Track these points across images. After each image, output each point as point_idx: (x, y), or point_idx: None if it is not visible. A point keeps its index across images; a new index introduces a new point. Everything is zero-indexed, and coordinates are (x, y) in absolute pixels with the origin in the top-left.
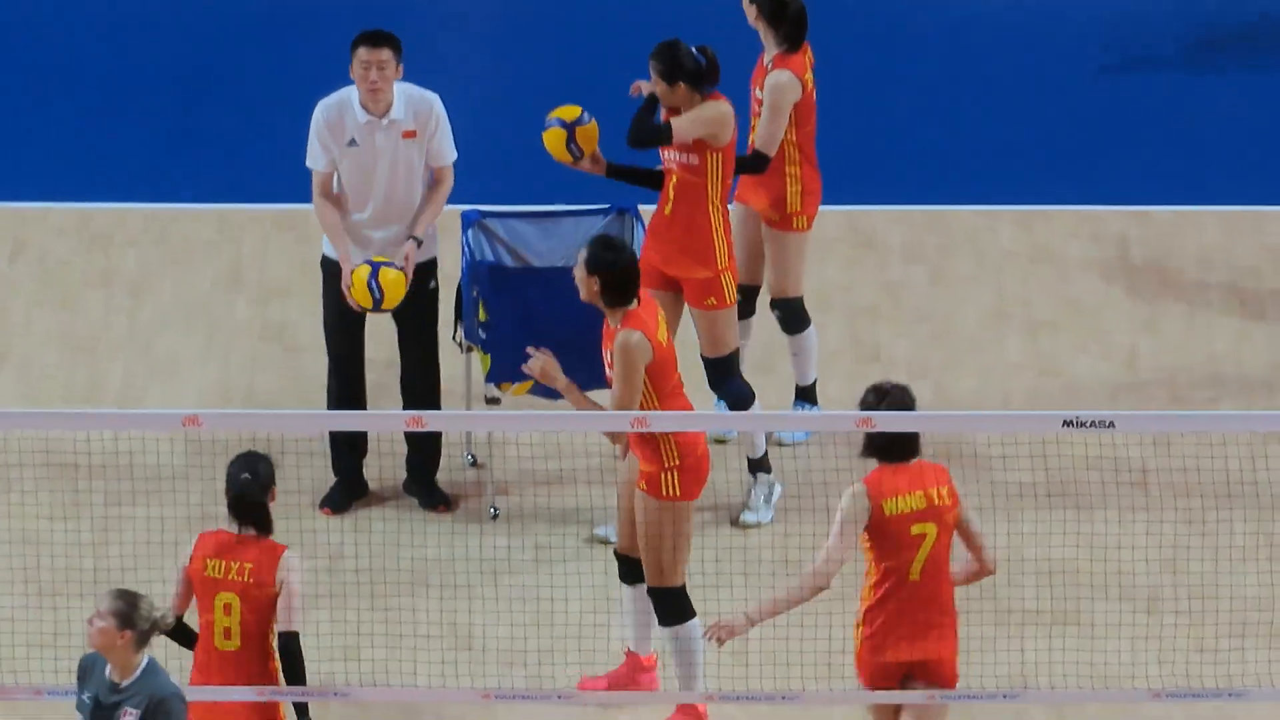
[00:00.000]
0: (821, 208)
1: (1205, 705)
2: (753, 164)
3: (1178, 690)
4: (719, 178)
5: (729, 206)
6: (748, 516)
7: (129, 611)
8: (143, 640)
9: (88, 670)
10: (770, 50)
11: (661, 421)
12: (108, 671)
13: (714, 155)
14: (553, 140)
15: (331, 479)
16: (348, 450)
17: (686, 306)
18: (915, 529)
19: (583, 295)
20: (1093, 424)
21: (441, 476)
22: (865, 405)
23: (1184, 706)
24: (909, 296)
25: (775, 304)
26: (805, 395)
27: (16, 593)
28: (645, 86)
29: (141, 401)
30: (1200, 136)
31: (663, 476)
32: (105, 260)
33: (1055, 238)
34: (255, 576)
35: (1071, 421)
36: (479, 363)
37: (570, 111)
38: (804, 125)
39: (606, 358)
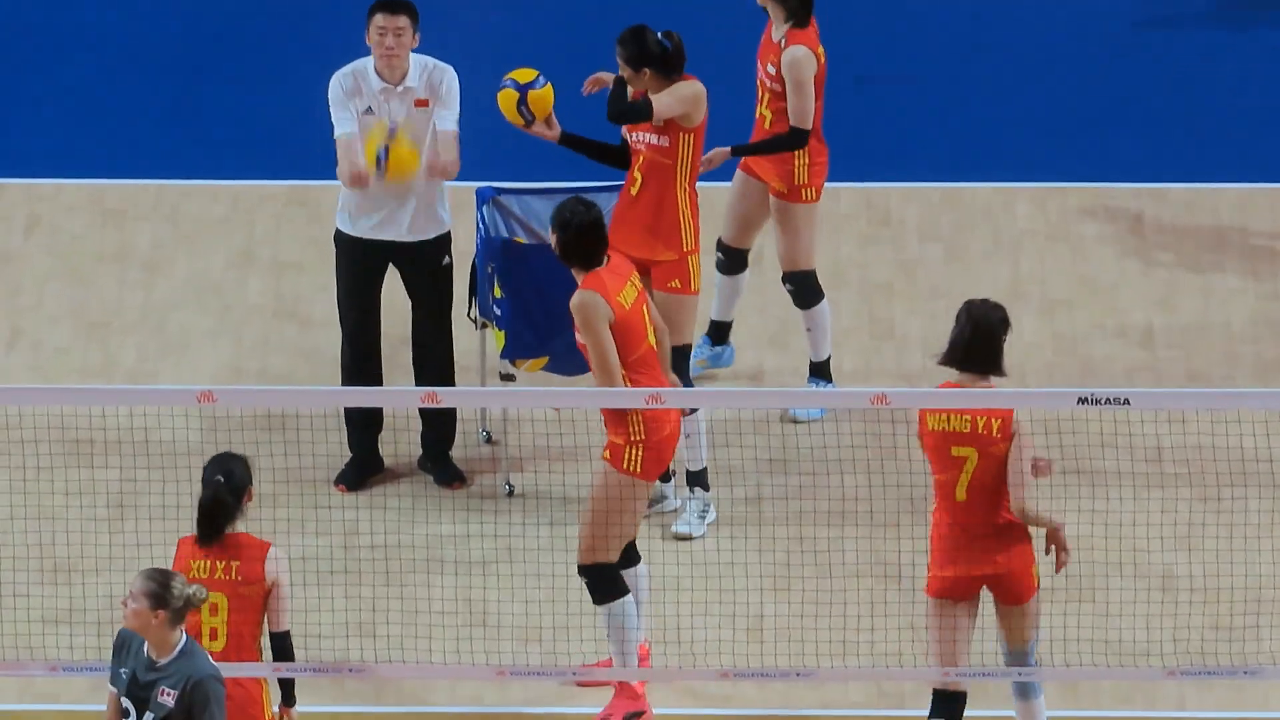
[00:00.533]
0: (837, 184)
1: (1220, 683)
2: (790, 141)
3: (1192, 668)
4: (689, 159)
5: (707, 186)
6: (681, 528)
7: (161, 591)
8: (177, 618)
9: (126, 644)
10: (780, 26)
11: (676, 399)
12: (145, 649)
13: (685, 136)
14: (505, 101)
15: (346, 455)
16: (362, 427)
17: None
18: (955, 450)
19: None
20: (1108, 401)
21: (456, 453)
22: (956, 317)
23: (1199, 684)
24: (924, 274)
25: (787, 278)
26: (819, 371)
27: (32, 569)
28: (605, 78)
29: (155, 378)
30: (1216, 113)
31: (627, 450)
32: (118, 237)
33: (1071, 215)
34: (243, 574)
35: (1087, 399)
36: (494, 339)
37: (525, 74)
38: (815, 99)
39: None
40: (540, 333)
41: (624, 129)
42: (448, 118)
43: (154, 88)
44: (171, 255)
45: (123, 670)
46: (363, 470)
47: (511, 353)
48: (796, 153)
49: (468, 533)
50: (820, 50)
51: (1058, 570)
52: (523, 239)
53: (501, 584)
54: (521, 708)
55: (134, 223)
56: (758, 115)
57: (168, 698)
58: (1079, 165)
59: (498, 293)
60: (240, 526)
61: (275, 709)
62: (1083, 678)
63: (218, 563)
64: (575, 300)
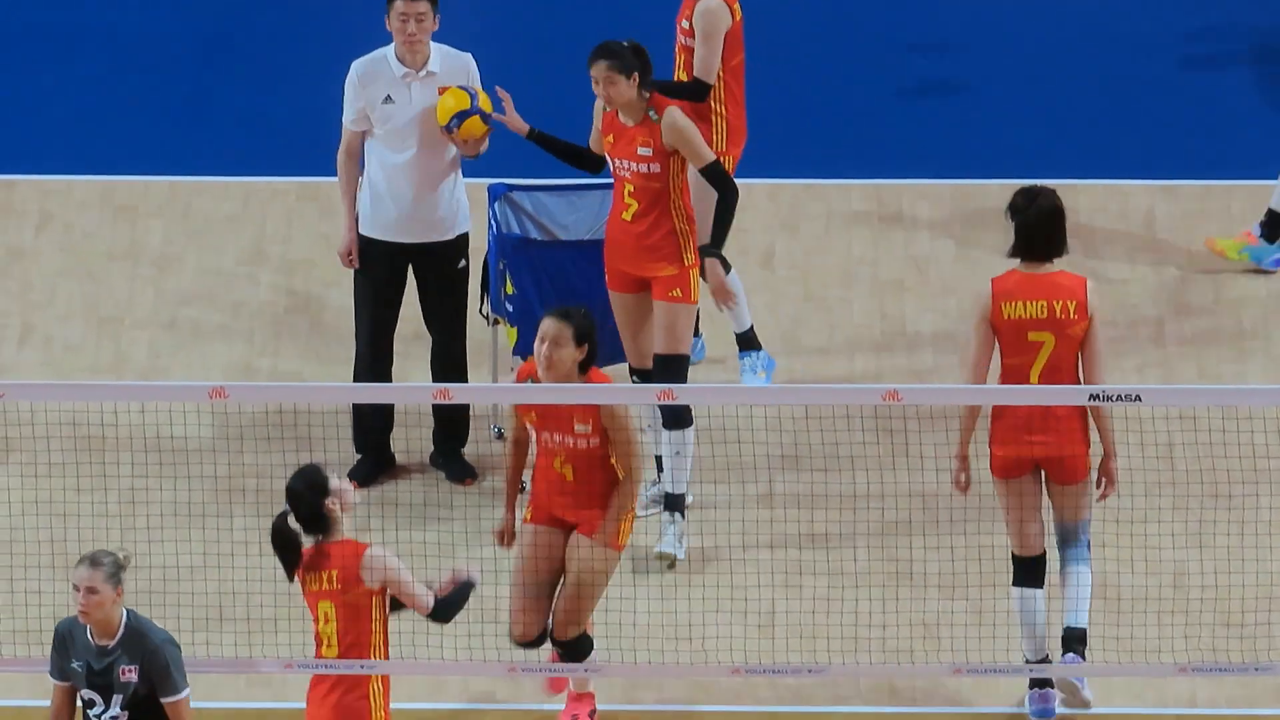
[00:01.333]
0: (848, 181)
1: (1231, 680)
2: (692, 90)
3: (1204, 665)
4: (680, 179)
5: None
6: (666, 549)
7: (114, 570)
8: (122, 593)
9: (67, 639)
10: None
11: (689, 395)
12: (89, 636)
13: (677, 160)
14: (472, 127)
15: (357, 452)
16: (375, 423)
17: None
18: (1032, 335)
19: None
20: (1119, 398)
21: (468, 450)
22: (1014, 208)
23: (1210, 681)
24: (936, 271)
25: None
26: (746, 343)
27: (44, 565)
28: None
29: (166, 375)
30: (1227, 110)
31: (621, 527)
32: (129, 233)
33: (1081, 212)
34: (342, 581)
35: (1098, 395)
36: (505, 335)
37: (462, 100)
38: (732, 58)
39: None
40: None
41: (608, 155)
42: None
43: (165, 84)
44: (182, 251)
45: (75, 664)
46: (375, 467)
47: (523, 349)
48: (714, 118)
49: (479, 529)
50: (737, 7)
51: (1101, 499)
52: (535, 236)
53: (513, 580)
54: (534, 704)
55: (145, 219)
56: (674, 80)
57: (131, 674)
58: (1090, 162)
59: (509, 289)
60: (338, 534)
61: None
62: (1094, 673)
63: (321, 574)
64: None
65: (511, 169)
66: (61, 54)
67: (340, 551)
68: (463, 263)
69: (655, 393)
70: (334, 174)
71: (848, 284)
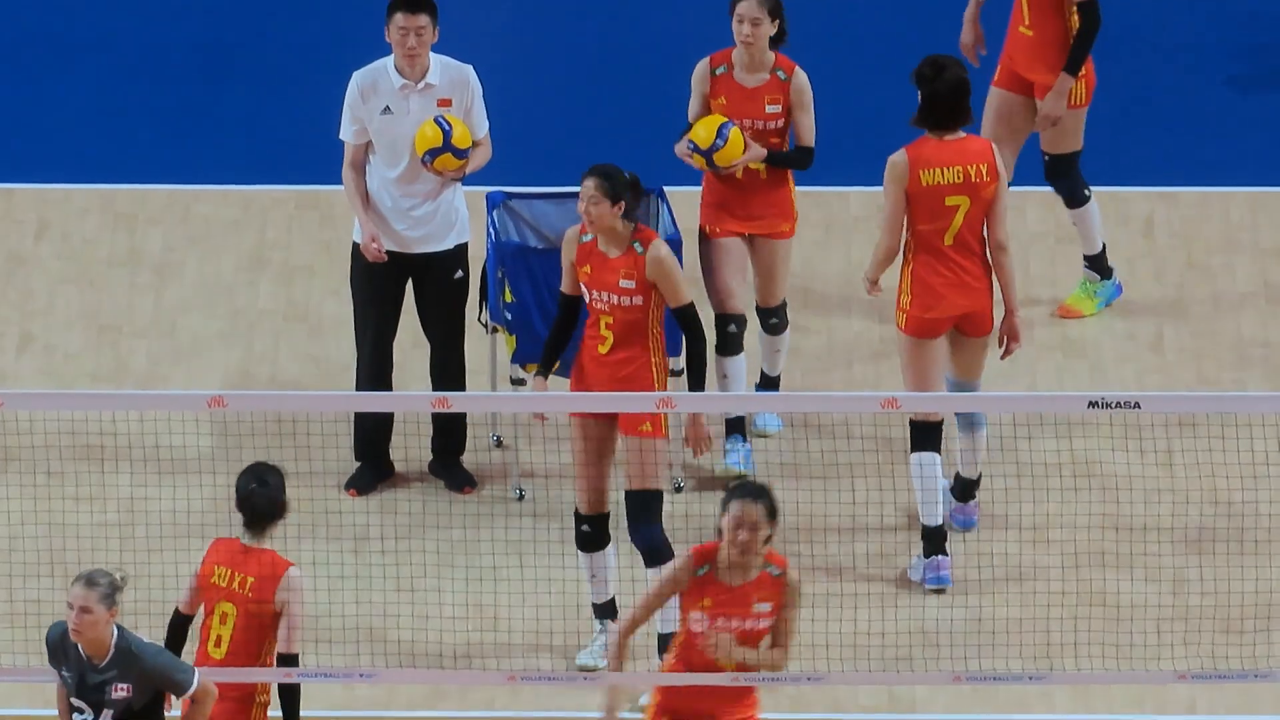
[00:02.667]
0: (847, 188)
1: (1231, 687)
2: (800, 159)
3: (1203, 672)
4: (659, 312)
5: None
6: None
7: (110, 591)
8: (116, 613)
9: (58, 649)
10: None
11: (687, 403)
12: (81, 651)
13: (658, 293)
14: (446, 163)
15: (356, 461)
16: (374, 432)
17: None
18: (950, 200)
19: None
20: (1119, 405)
21: (467, 458)
22: (921, 78)
23: (1210, 688)
24: None
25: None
26: (735, 426)
27: (43, 574)
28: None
29: (166, 383)
30: (1227, 116)
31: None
32: (129, 241)
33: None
34: (255, 592)
35: (1097, 402)
36: (504, 343)
37: (437, 137)
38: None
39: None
40: None
41: (585, 285)
42: (480, 126)
43: (165, 92)
44: (182, 259)
45: (66, 674)
46: (374, 475)
47: (522, 357)
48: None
49: (478, 538)
50: None
51: (1004, 357)
52: (534, 243)
53: (512, 589)
54: (533, 712)
55: (145, 227)
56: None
57: (123, 691)
58: (1090, 168)
59: (508, 297)
60: (266, 542)
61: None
62: (1094, 682)
63: (236, 574)
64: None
65: (510, 177)
66: (61, 62)
67: (265, 561)
68: (460, 274)
69: (655, 400)
70: (334, 182)
71: (848, 290)
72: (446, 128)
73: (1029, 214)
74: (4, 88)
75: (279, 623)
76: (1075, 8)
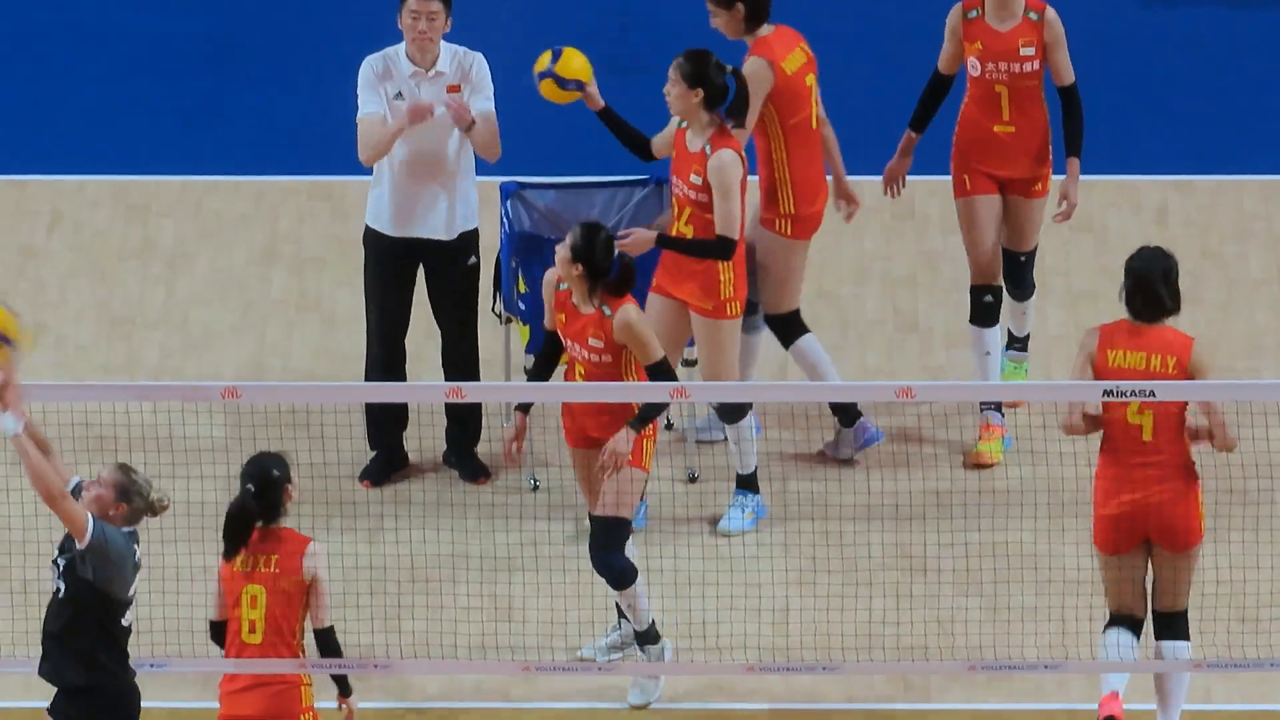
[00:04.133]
0: (859, 177)
1: (1246, 675)
2: (720, 249)
3: (1218, 660)
4: (634, 364)
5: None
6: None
7: (128, 485)
8: (134, 516)
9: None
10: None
11: (701, 393)
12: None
13: (628, 352)
14: (548, 90)
15: (370, 451)
16: (388, 423)
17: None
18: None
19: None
20: (1133, 394)
21: (481, 448)
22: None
23: (1225, 676)
24: (947, 266)
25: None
26: (746, 483)
27: None
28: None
29: (179, 374)
30: (1240, 105)
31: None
32: (141, 233)
33: (1094, 208)
34: (281, 567)
35: (1112, 391)
36: (518, 334)
37: (541, 61)
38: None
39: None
40: None
41: (560, 333)
42: (483, 100)
43: (177, 84)
44: (194, 251)
45: (58, 558)
46: (388, 466)
47: (535, 347)
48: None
49: (493, 528)
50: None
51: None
52: (547, 233)
53: (527, 579)
54: (547, 703)
55: (157, 219)
56: (675, 232)
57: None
58: (1102, 158)
59: (522, 287)
60: (285, 522)
61: (332, 702)
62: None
63: (259, 556)
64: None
65: (523, 167)
66: (73, 54)
67: (285, 539)
68: (473, 259)
69: (670, 390)
70: (347, 173)
71: (860, 280)
72: (557, 50)
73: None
74: (17, 80)
75: (307, 599)
76: (1059, 93)
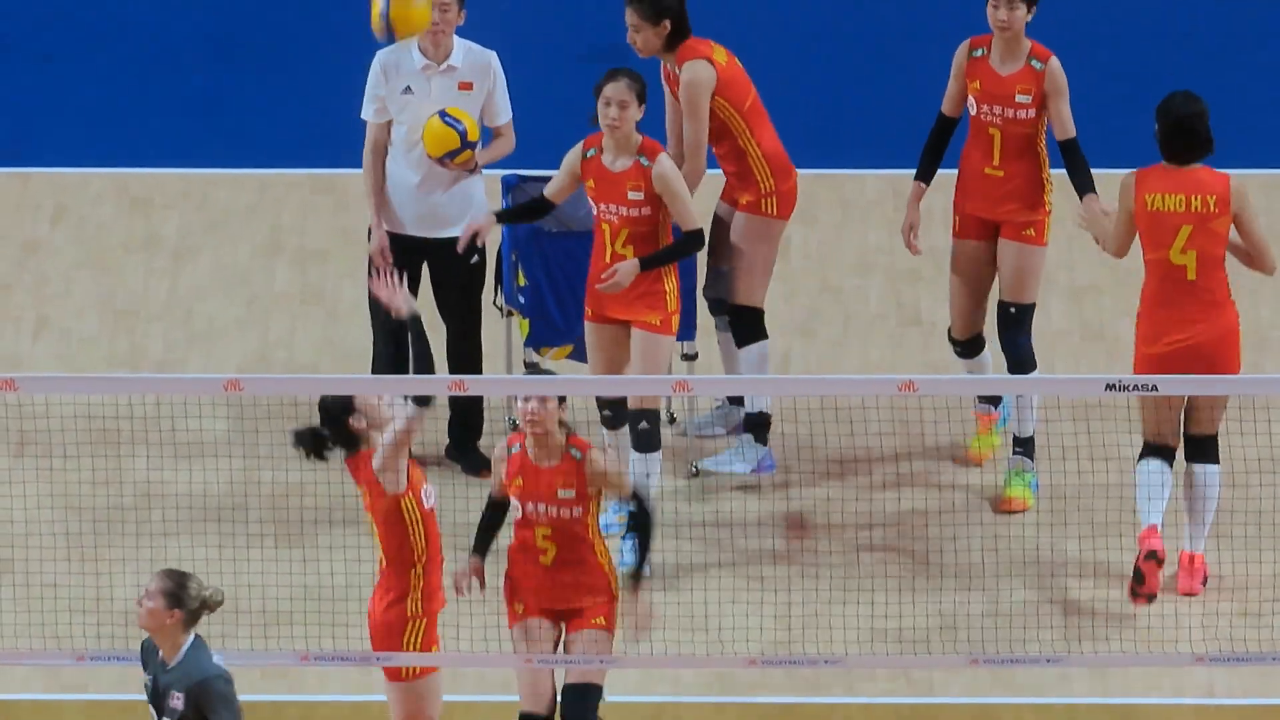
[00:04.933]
0: (863, 171)
1: (1249, 669)
2: (687, 244)
3: (1221, 654)
4: (596, 509)
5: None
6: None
7: (177, 591)
8: (192, 620)
9: (147, 651)
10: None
11: (705, 386)
12: (160, 652)
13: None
14: (443, 135)
15: None
16: None
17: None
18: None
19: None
20: (1136, 387)
21: (483, 442)
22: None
23: (1227, 671)
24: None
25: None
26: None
27: (60, 558)
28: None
29: (182, 367)
30: (1239, 100)
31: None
32: (145, 226)
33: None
34: (369, 493)
35: (1115, 385)
36: (519, 327)
37: (474, 131)
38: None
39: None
40: (564, 320)
41: (519, 503)
42: (503, 111)
43: (180, 77)
44: (198, 244)
45: (146, 677)
46: None
47: (535, 341)
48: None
49: None
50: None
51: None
52: (547, 227)
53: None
54: None
55: (161, 212)
56: (610, 256)
57: (177, 701)
58: (1104, 154)
59: (522, 281)
60: (367, 446)
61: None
62: (1111, 664)
63: (359, 488)
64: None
65: (524, 160)
66: (77, 47)
67: (363, 464)
68: (476, 258)
69: (672, 384)
70: (351, 166)
71: (863, 274)
72: (460, 126)
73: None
74: (21, 73)
75: (408, 507)
76: (1060, 146)
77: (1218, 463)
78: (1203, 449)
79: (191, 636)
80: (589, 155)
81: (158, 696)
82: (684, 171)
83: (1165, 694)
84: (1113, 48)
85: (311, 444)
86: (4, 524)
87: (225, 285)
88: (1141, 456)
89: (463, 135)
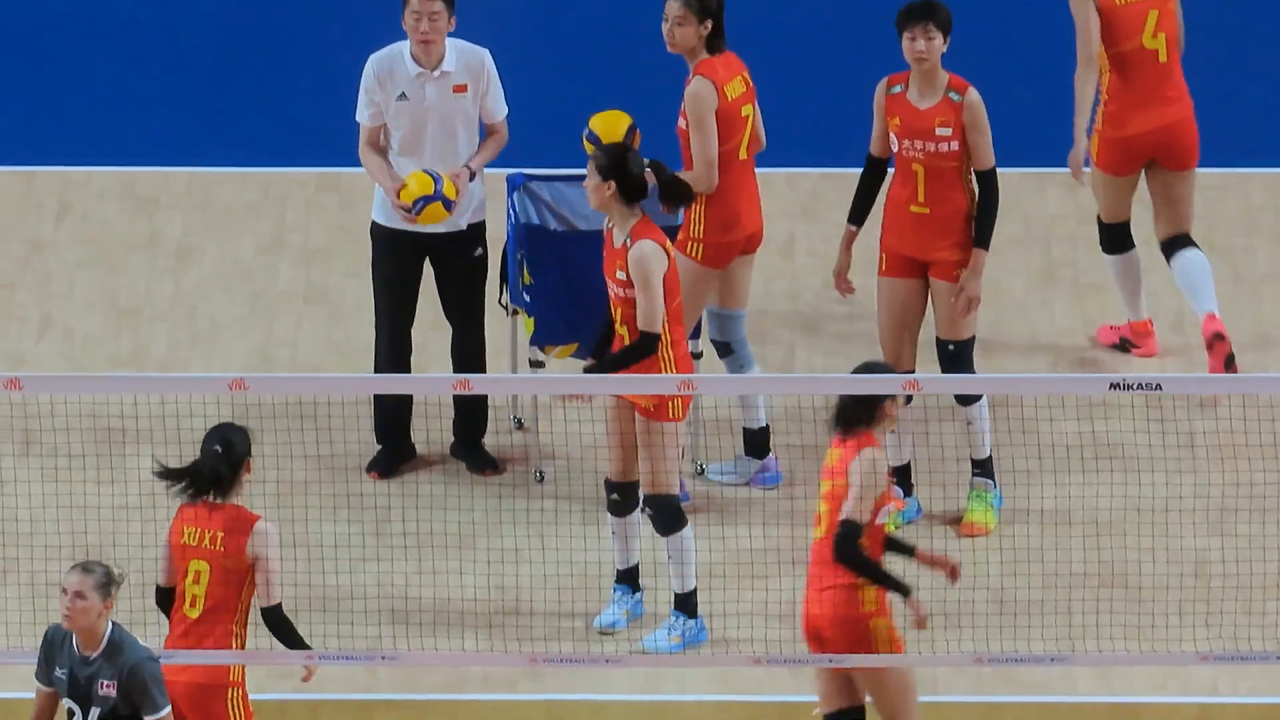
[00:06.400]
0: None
1: (1253, 668)
2: (641, 349)
3: (1225, 653)
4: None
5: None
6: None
7: (106, 582)
8: (111, 605)
9: (54, 645)
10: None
11: (709, 385)
12: (75, 645)
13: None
14: (421, 184)
15: (378, 443)
16: (395, 415)
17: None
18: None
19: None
20: (1140, 386)
21: (488, 440)
22: None
23: (1232, 669)
24: None
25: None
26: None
27: (64, 558)
28: None
29: (186, 366)
30: (1246, 97)
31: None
32: (149, 225)
33: None
34: (226, 545)
35: (1119, 384)
36: (524, 325)
37: (450, 192)
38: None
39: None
40: (569, 319)
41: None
42: (498, 109)
43: (184, 74)
44: (202, 243)
45: (59, 672)
46: (395, 457)
47: (541, 339)
48: (663, 360)
49: (500, 520)
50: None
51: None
52: (553, 225)
53: (534, 571)
54: (554, 695)
55: (165, 210)
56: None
57: (109, 689)
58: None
59: (527, 279)
60: (235, 499)
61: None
62: (1116, 663)
63: (205, 531)
64: (637, 254)
65: (530, 159)
66: (81, 45)
67: (231, 516)
68: (479, 251)
69: (677, 384)
70: (354, 164)
71: (869, 273)
72: (437, 178)
73: (1050, 195)
74: (24, 71)
75: (253, 577)
76: (974, 177)
77: (1197, 246)
78: (1182, 240)
79: (109, 625)
80: (893, 91)
81: (79, 688)
82: (689, 179)
83: (1169, 693)
84: None
85: (210, 478)
86: (8, 523)
87: (229, 284)
88: (1112, 248)
89: (437, 185)
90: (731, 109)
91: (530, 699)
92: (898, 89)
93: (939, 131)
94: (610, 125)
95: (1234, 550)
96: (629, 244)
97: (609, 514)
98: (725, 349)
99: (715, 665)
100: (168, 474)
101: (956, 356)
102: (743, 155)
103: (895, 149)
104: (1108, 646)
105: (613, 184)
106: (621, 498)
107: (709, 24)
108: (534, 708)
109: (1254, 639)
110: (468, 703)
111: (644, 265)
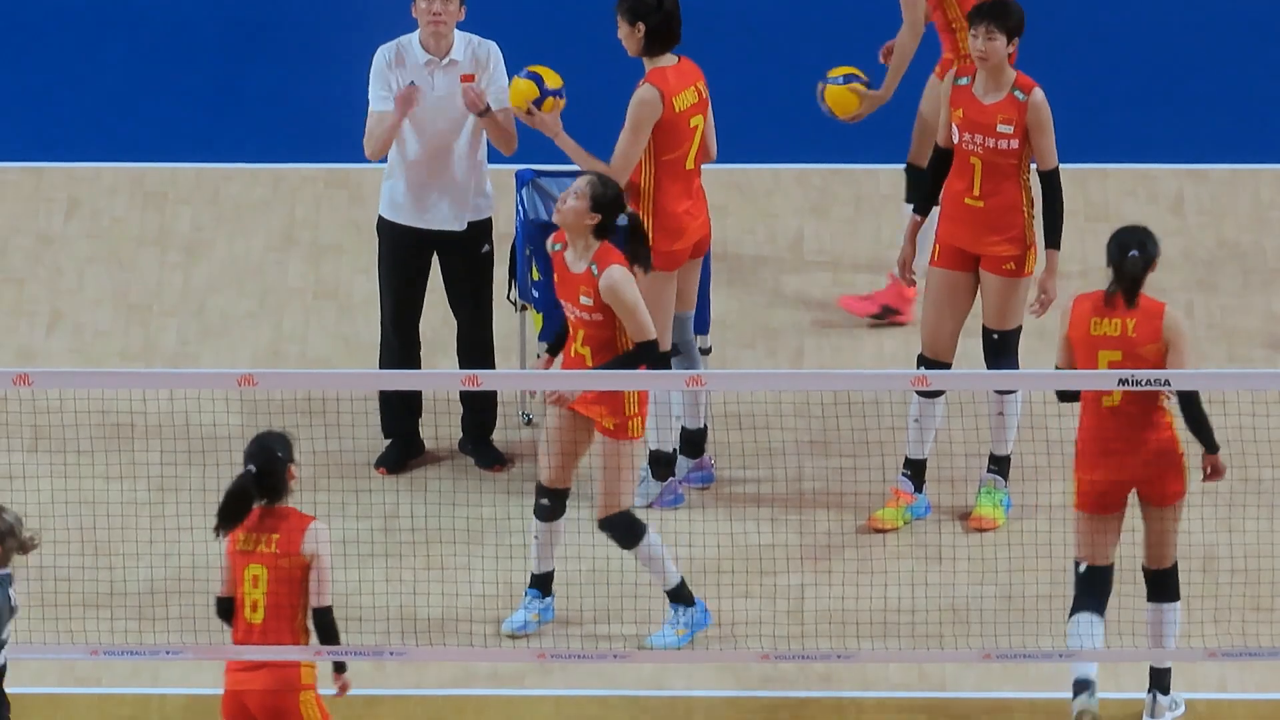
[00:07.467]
0: (876, 166)
1: (1261, 664)
2: (638, 355)
3: (1233, 649)
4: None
5: None
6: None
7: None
8: (5, 558)
9: None
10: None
11: (717, 381)
12: None
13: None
14: (522, 91)
15: (386, 439)
16: (403, 410)
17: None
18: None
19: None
20: (1148, 383)
21: (497, 436)
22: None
23: (1240, 665)
24: None
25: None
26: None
27: (73, 552)
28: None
29: (195, 362)
30: (1257, 93)
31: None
32: (159, 220)
33: (1111, 196)
34: (282, 548)
35: (1127, 380)
36: (533, 321)
37: (554, 79)
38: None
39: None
40: None
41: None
42: (503, 99)
43: (194, 70)
44: (212, 238)
45: None
46: (403, 453)
47: (549, 335)
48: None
49: (508, 515)
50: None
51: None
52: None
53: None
54: (563, 690)
55: (174, 205)
56: (574, 353)
57: None
58: (1118, 146)
59: (536, 275)
60: (289, 501)
61: (325, 684)
62: (1123, 659)
63: (260, 536)
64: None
65: (539, 155)
66: (90, 40)
67: (287, 517)
68: (486, 247)
69: (684, 379)
70: (363, 160)
71: (877, 267)
72: (536, 76)
73: None
74: (34, 67)
75: (309, 576)
76: (1037, 175)
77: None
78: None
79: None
80: (960, 83)
81: None
82: (604, 167)
83: (1178, 689)
84: (1129, 39)
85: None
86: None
87: (238, 279)
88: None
89: (539, 83)
90: (679, 120)
91: (538, 694)
92: (964, 81)
93: (1000, 128)
94: (548, 75)
95: (1242, 546)
96: (594, 270)
97: (535, 518)
98: (673, 350)
99: (723, 661)
100: (227, 514)
101: (1003, 345)
102: (689, 165)
103: (955, 140)
104: (1116, 643)
105: (599, 217)
106: (551, 504)
107: (641, 27)
108: (542, 704)
109: (1263, 635)
110: (475, 698)
111: (619, 291)
